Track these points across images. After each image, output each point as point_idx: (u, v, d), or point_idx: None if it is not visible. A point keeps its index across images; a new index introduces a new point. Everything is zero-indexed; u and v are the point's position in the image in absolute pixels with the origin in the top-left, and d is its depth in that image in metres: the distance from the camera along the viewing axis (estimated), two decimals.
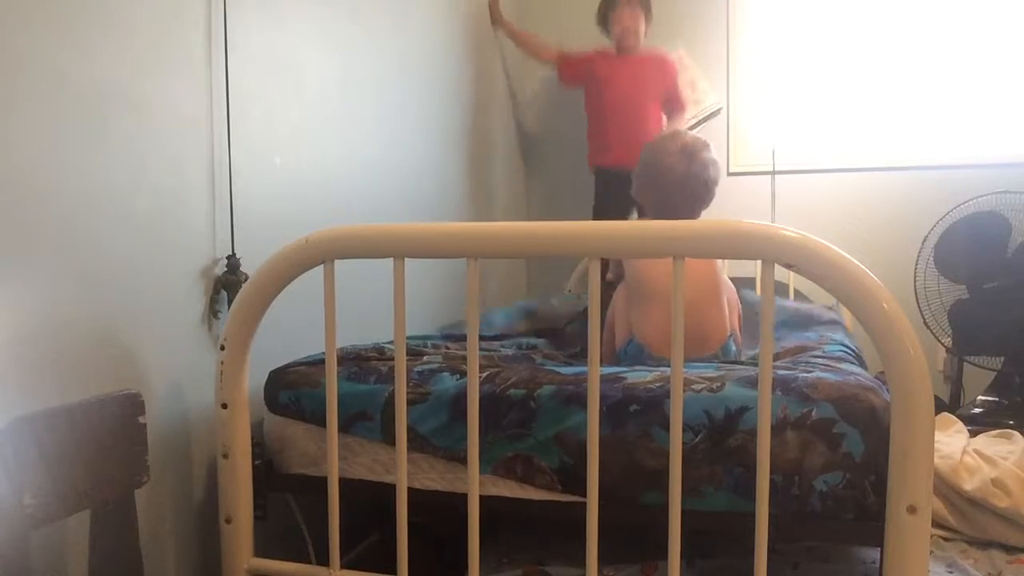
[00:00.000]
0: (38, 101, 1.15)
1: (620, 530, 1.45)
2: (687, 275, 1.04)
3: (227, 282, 1.50)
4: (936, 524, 1.87)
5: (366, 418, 1.39)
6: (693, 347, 1.69)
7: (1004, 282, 2.52)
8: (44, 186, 1.16)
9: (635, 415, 1.24)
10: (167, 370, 1.40)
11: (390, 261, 1.16)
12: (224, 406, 1.26)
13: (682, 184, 1.77)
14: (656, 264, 1.74)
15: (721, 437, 1.20)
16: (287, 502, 1.56)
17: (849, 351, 1.78)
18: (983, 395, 2.60)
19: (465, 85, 2.75)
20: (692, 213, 1.80)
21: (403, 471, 1.18)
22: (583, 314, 2.25)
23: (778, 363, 1.55)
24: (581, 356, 2.06)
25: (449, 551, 1.53)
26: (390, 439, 1.36)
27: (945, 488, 1.88)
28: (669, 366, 1.66)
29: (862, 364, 1.76)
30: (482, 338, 2.11)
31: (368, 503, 1.91)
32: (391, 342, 1.69)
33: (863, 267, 0.97)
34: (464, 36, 2.74)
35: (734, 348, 1.78)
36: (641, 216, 1.97)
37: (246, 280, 1.48)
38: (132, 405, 1.14)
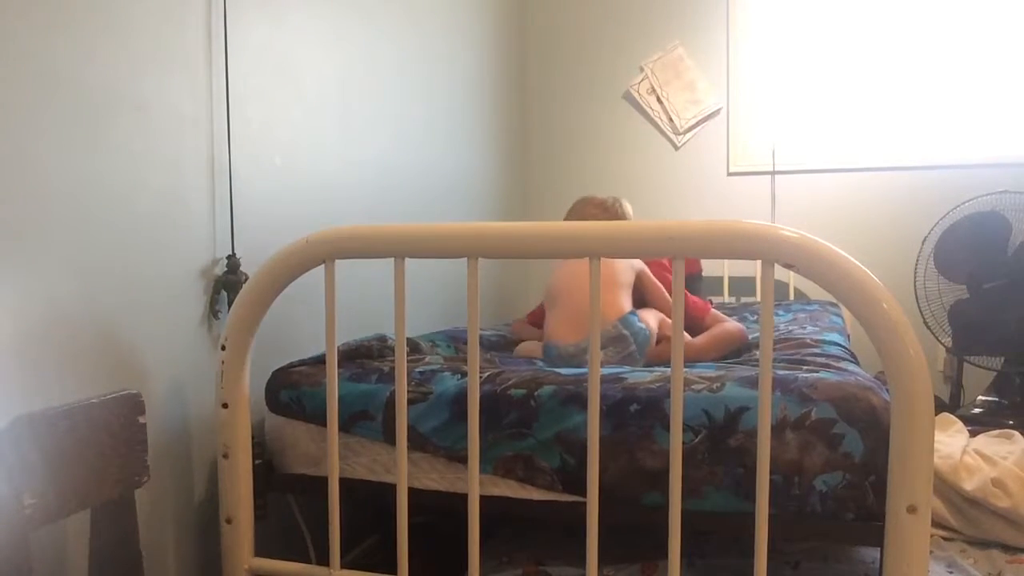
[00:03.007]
0: (38, 101, 1.15)
1: (620, 530, 1.46)
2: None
3: (227, 282, 1.50)
4: (936, 524, 1.87)
5: (367, 418, 1.39)
6: (582, 325, 1.80)
7: (1004, 282, 2.52)
8: (44, 186, 1.16)
9: (635, 415, 1.24)
10: (167, 370, 1.40)
11: (391, 261, 1.16)
12: (225, 406, 1.26)
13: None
14: (563, 264, 1.95)
15: (721, 437, 1.20)
16: (287, 502, 1.56)
17: (846, 349, 1.78)
18: (983, 395, 2.60)
19: (466, 83, 2.75)
20: None
21: (403, 471, 1.18)
22: None
23: (777, 363, 1.55)
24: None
25: (449, 551, 1.53)
26: (391, 439, 1.36)
27: (945, 488, 1.88)
28: (574, 353, 1.74)
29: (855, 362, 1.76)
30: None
31: (368, 503, 1.91)
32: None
33: (863, 267, 0.97)
34: (467, 33, 2.75)
35: (639, 325, 1.80)
36: None
37: (246, 280, 1.48)
38: (132, 405, 1.14)
